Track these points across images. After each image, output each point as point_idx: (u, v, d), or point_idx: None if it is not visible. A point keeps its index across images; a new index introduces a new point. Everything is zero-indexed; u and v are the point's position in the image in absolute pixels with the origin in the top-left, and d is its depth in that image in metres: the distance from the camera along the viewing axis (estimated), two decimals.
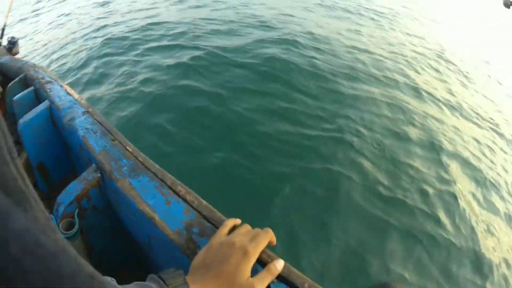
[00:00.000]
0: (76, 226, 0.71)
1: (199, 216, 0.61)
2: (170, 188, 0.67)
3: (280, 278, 0.52)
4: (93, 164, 0.75)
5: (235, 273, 0.45)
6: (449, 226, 1.85)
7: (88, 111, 0.88)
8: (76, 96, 0.95)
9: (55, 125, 0.98)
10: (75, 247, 0.73)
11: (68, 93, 0.96)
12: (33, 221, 0.16)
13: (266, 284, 0.47)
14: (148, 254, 0.70)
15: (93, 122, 0.84)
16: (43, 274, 0.13)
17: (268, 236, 0.51)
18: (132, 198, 0.66)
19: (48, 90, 0.98)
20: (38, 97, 1.07)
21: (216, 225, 0.60)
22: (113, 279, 0.39)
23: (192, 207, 0.63)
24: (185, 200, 0.64)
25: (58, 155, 1.03)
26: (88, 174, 0.74)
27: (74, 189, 0.73)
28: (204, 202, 0.64)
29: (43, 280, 0.13)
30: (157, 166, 0.72)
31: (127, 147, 0.76)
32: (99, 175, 0.73)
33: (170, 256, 0.61)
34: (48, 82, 1.02)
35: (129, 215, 0.70)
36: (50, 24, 5.10)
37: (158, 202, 0.64)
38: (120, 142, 0.78)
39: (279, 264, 0.50)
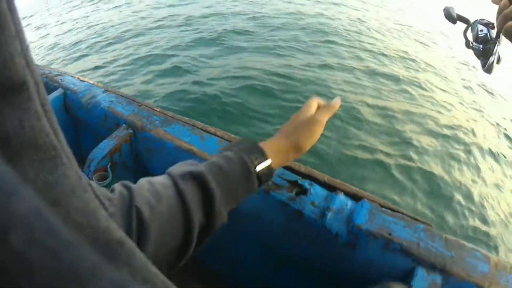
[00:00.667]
0: (110, 177, 0.79)
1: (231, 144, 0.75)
2: (201, 129, 0.80)
3: (304, 175, 0.67)
4: (123, 124, 0.86)
5: (311, 143, 0.55)
6: None
7: (108, 90, 0.99)
8: (91, 82, 1.05)
9: (67, 111, 1.05)
10: None
11: (82, 80, 1.06)
12: (63, 180, 0.15)
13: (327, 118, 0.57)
14: None
15: (116, 96, 0.95)
16: (52, 271, 0.10)
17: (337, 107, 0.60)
18: (168, 140, 0.78)
19: (60, 81, 1.06)
20: (48, 90, 1.14)
21: None
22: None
23: (224, 138, 0.77)
24: (216, 135, 0.78)
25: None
26: (119, 131, 0.84)
27: (106, 145, 0.82)
28: (233, 135, 0.78)
29: (52, 279, 0.10)
30: (186, 118, 0.85)
31: (155, 109, 0.89)
32: (130, 131, 0.84)
33: None
34: (57, 75, 1.11)
35: (162, 159, 0.80)
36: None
37: (194, 139, 0.77)
38: (147, 106, 0.90)
39: (338, 101, 0.60)
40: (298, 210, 0.61)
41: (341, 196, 0.62)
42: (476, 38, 0.56)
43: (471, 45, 0.57)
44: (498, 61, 0.55)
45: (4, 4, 0.13)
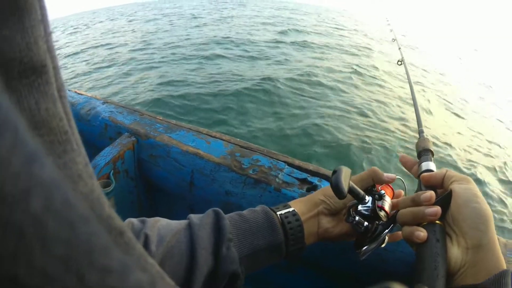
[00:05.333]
0: (113, 184, 0.77)
1: (237, 146, 0.76)
2: (206, 134, 0.81)
3: (313, 172, 0.69)
4: (126, 133, 0.85)
5: None
6: None
7: (107, 101, 0.99)
8: (89, 95, 1.04)
9: None
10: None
11: (79, 94, 1.05)
12: (72, 166, 0.15)
13: None
14: (186, 196, 0.79)
15: (116, 107, 0.95)
16: (66, 241, 0.10)
17: None
18: (174, 145, 0.78)
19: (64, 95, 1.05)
20: None
21: (252, 149, 0.75)
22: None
23: (230, 142, 0.78)
24: (222, 139, 0.79)
25: None
26: (122, 139, 0.83)
27: (109, 152, 0.81)
28: (238, 139, 0.80)
29: (65, 248, 0.10)
30: (189, 124, 0.86)
31: (157, 117, 0.89)
32: (133, 139, 0.83)
33: (215, 181, 0.72)
34: None
35: (167, 165, 0.79)
36: None
37: (199, 143, 0.78)
38: (149, 115, 0.90)
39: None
40: None
41: None
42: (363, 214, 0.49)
43: (351, 220, 0.48)
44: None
45: None
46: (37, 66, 0.14)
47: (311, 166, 0.67)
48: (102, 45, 6.34)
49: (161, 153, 0.80)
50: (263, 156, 0.72)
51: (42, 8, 0.14)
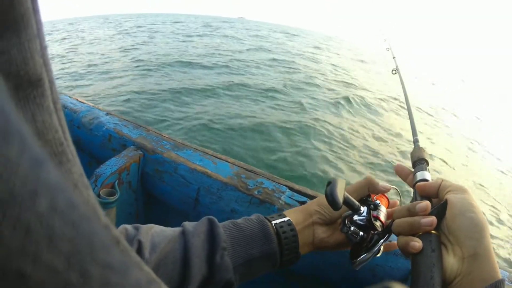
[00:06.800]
0: (118, 193, 0.80)
1: (242, 169, 0.84)
2: (212, 155, 0.88)
3: (311, 197, 0.79)
4: (131, 146, 0.89)
5: None
6: None
7: (110, 113, 1.01)
8: (91, 104, 1.06)
9: None
10: (111, 215, 0.80)
11: (81, 102, 1.06)
12: (68, 176, 0.15)
13: None
14: (189, 212, 0.83)
15: (120, 120, 0.98)
16: (70, 239, 0.11)
17: None
18: (182, 162, 0.83)
19: (60, 107, 1.05)
20: None
21: (256, 172, 0.84)
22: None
23: (235, 164, 0.86)
24: (227, 161, 0.86)
25: None
26: (128, 151, 0.86)
27: (115, 163, 0.83)
28: (243, 162, 0.88)
29: (72, 248, 0.11)
30: (195, 145, 0.92)
31: (163, 134, 0.94)
32: (140, 152, 0.87)
33: (222, 199, 0.78)
34: None
35: (172, 180, 0.84)
36: None
37: (207, 163, 0.84)
38: (155, 132, 0.95)
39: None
40: None
41: None
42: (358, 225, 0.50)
43: (347, 230, 0.50)
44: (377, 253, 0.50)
45: (29, 4, 0.14)
46: (34, 80, 0.14)
47: (310, 191, 0.77)
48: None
49: (167, 168, 0.84)
50: (266, 180, 0.81)
51: (38, 22, 0.15)
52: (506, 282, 0.59)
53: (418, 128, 0.67)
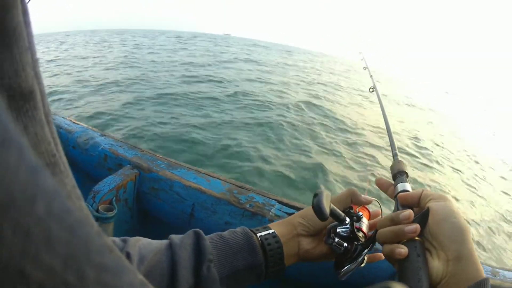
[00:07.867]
0: (116, 209, 0.83)
1: (233, 185, 0.91)
2: (205, 173, 0.94)
3: (298, 208, 0.87)
4: (127, 165, 0.93)
5: None
6: None
7: (105, 134, 1.05)
8: (85, 125, 1.10)
9: None
10: (108, 231, 0.83)
11: (75, 123, 1.09)
12: (61, 186, 0.15)
13: None
14: (184, 227, 0.87)
15: (115, 140, 1.03)
16: (67, 242, 0.11)
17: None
18: (177, 180, 0.89)
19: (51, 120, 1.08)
20: None
21: (247, 188, 0.91)
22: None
23: (226, 181, 0.92)
24: (219, 179, 0.93)
25: None
26: (125, 170, 0.91)
27: (112, 180, 0.87)
28: (233, 180, 0.95)
29: (68, 250, 0.11)
30: (188, 164, 0.98)
31: (157, 155, 1.00)
32: (136, 171, 0.92)
33: (216, 213, 0.84)
34: None
35: (168, 197, 0.89)
36: None
37: (200, 180, 0.90)
38: (149, 152, 1.00)
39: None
40: None
41: None
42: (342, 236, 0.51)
43: (331, 242, 0.51)
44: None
45: (21, 17, 0.14)
46: (25, 92, 0.14)
47: (297, 204, 0.85)
48: None
49: (163, 186, 0.89)
50: (257, 194, 0.88)
51: (29, 35, 0.15)
52: (490, 276, 0.66)
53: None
